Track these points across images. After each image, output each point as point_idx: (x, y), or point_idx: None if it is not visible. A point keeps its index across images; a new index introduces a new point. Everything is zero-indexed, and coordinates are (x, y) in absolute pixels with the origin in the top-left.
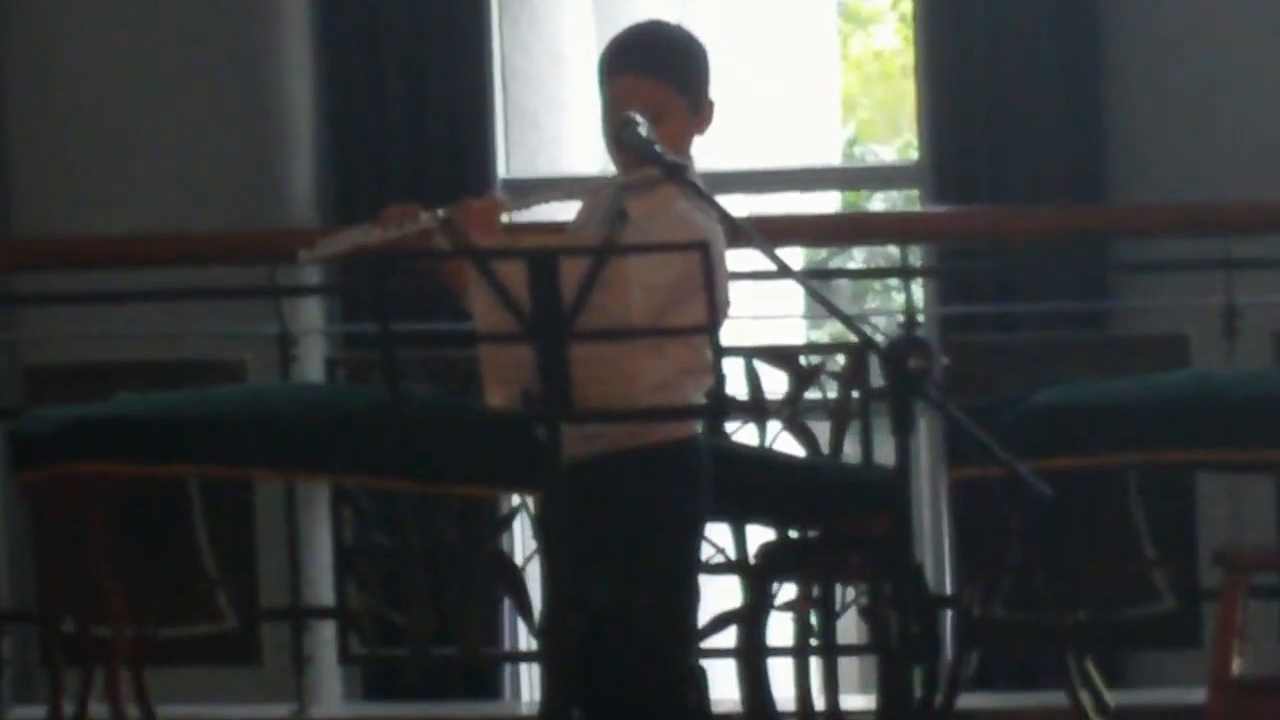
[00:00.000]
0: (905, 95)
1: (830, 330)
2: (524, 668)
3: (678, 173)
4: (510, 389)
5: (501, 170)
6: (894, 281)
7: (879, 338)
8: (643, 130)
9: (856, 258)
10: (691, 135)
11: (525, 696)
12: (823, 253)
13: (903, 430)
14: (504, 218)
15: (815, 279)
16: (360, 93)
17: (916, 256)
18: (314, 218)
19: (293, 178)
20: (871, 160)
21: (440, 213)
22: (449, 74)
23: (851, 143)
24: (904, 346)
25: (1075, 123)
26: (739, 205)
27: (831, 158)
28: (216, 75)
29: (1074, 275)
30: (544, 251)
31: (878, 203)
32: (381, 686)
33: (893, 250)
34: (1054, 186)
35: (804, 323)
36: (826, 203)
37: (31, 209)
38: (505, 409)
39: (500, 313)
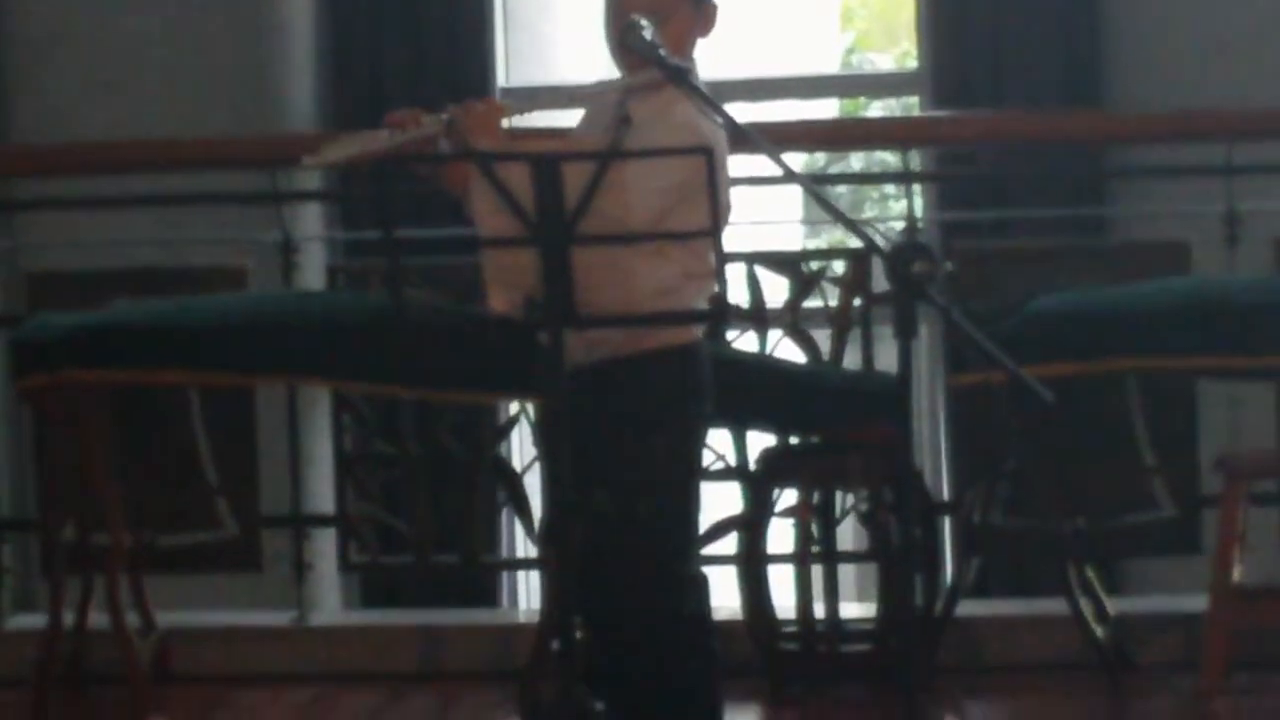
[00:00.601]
0: (902, 5)
1: (828, 238)
2: (520, 575)
3: (681, 76)
4: (513, 294)
5: (500, 78)
6: (891, 190)
7: (883, 243)
8: (647, 34)
9: (855, 166)
10: (694, 38)
11: (522, 604)
12: (820, 161)
13: (906, 335)
14: (505, 122)
15: (813, 185)
16: (359, 1)
17: (916, 163)
18: (313, 126)
19: (292, 86)
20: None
21: (444, 116)
22: None
23: (850, 51)
24: (908, 251)
25: (1074, 28)
26: (738, 113)
27: (830, 66)
28: None
29: (1073, 181)
30: (548, 156)
31: (875, 111)
32: (378, 594)
33: (890, 159)
34: (1053, 93)
35: (801, 229)
36: (825, 110)
37: (32, 115)
38: (508, 314)
39: (504, 217)
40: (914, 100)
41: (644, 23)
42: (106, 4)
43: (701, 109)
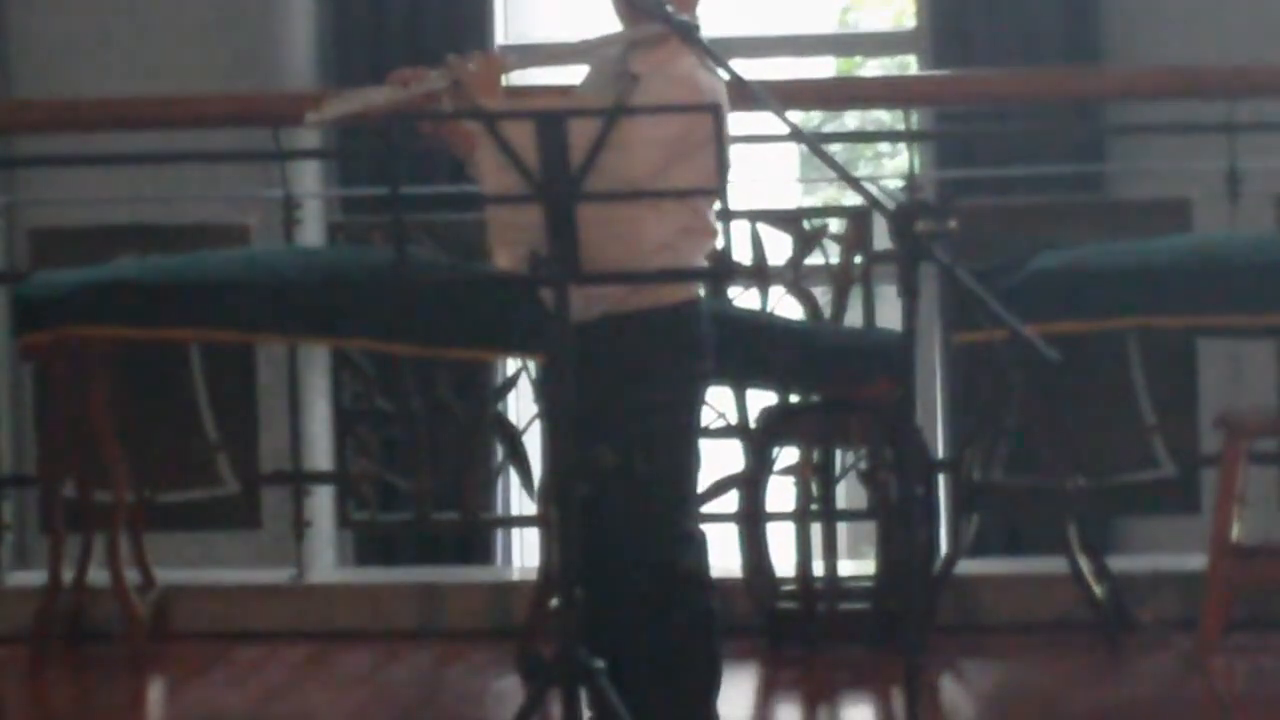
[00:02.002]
0: None
1: (824, 195)
2: (515, 533)
3: (690, 32)
4: (517, 251)
5: (499, 36)
6: (885, 148)
7: (887, 201)
8: None
9: (849, 125)
10: None
11: (517, 561)
12: (816, 119)
13: (910, 294)
14: (504, 79)
15: (817, 143)
16: None
17: (914, 122)
18: (311, 82)
19: (291, 43)
20: (865, 28)
21: (445, 73)
22: None
23: (845, 10)
24: (913, 209)
25: None
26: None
27: (827, 25)
28: None
29: (1073, 139)
30: (553, 113)
31: (870, 70)
32: (374, 552)
33: (883, 117)
34: (1052, 51)
35: (799, 187)
36: (821, 69)
37: (33, 71)
38: (512, 271)
39: (509, 175)
40: (910, 59)
41: None
42: None
43: (706, 65)
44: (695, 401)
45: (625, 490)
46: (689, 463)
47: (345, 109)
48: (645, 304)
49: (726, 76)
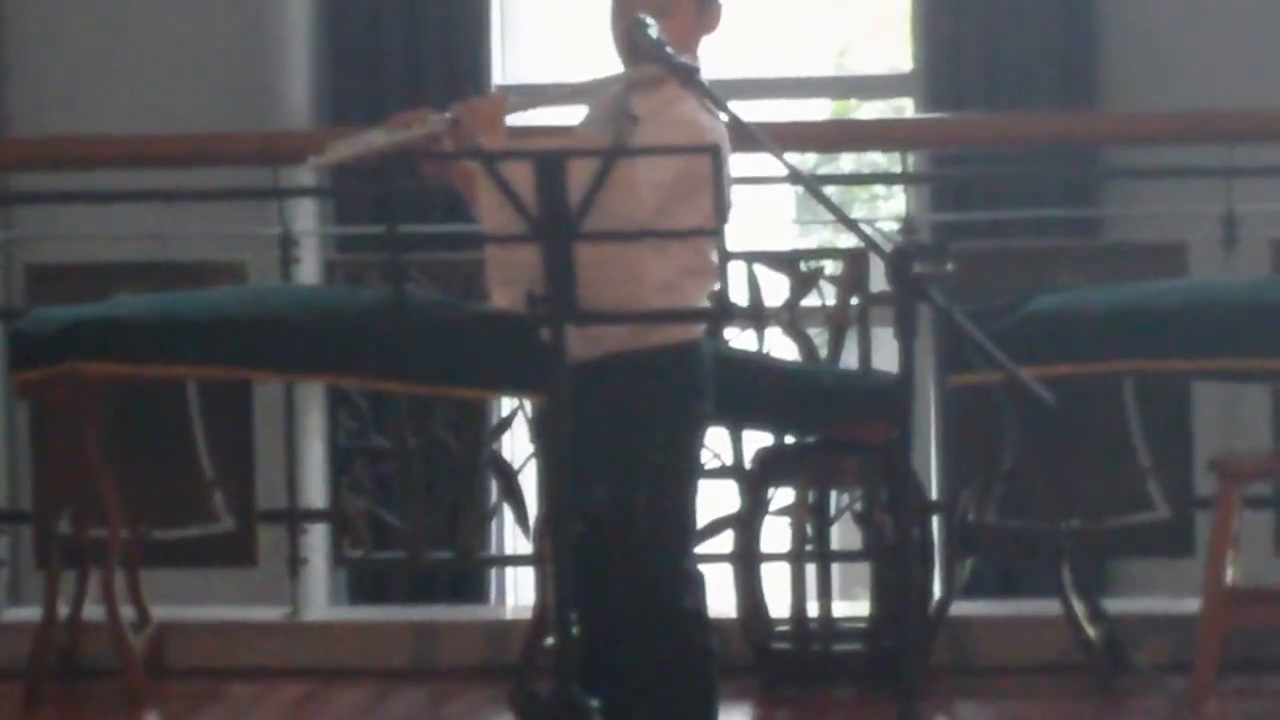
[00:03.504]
0: (896, 5)
1: (820, 237)
2: (510, 572)
3: (690, 74)
4: (515, 291)
5: (497, 76)
6: (880, 190)
7: (884, 243)
8: (652, 32)
9: (845, 168)
10: (699, 35)
11: (511, 600)
12: (813, 161)
13: (907, 336)
14: (508, 119)
15: (817, 185)
16: None
17: (911, 164)
18: (310, 121)
19: (289, 82)
20: (861, 71)
21: (448, 114)
22: None
23: (842, 53)
24: (909, 251)
25: (1070, 30)
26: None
27: (824, 67)
28: None
29: (1069, 183)
30: (552, 153)
31: (866, 113)
32: (368, 590)
33: (880, 160)
34: (1046, 94)
35: (796, 229)
36: (818, 111)
37: (32, 109)
38: (510, 310)
39: (507, 214)
40: (907, 102)
41: (649, 21)
42: None
43: (707, 106)
44: (695, 442)
45: (624, 529)
46: (689, 503)
47: (348, 153)
48: (648, 344)
49: (725, 118)
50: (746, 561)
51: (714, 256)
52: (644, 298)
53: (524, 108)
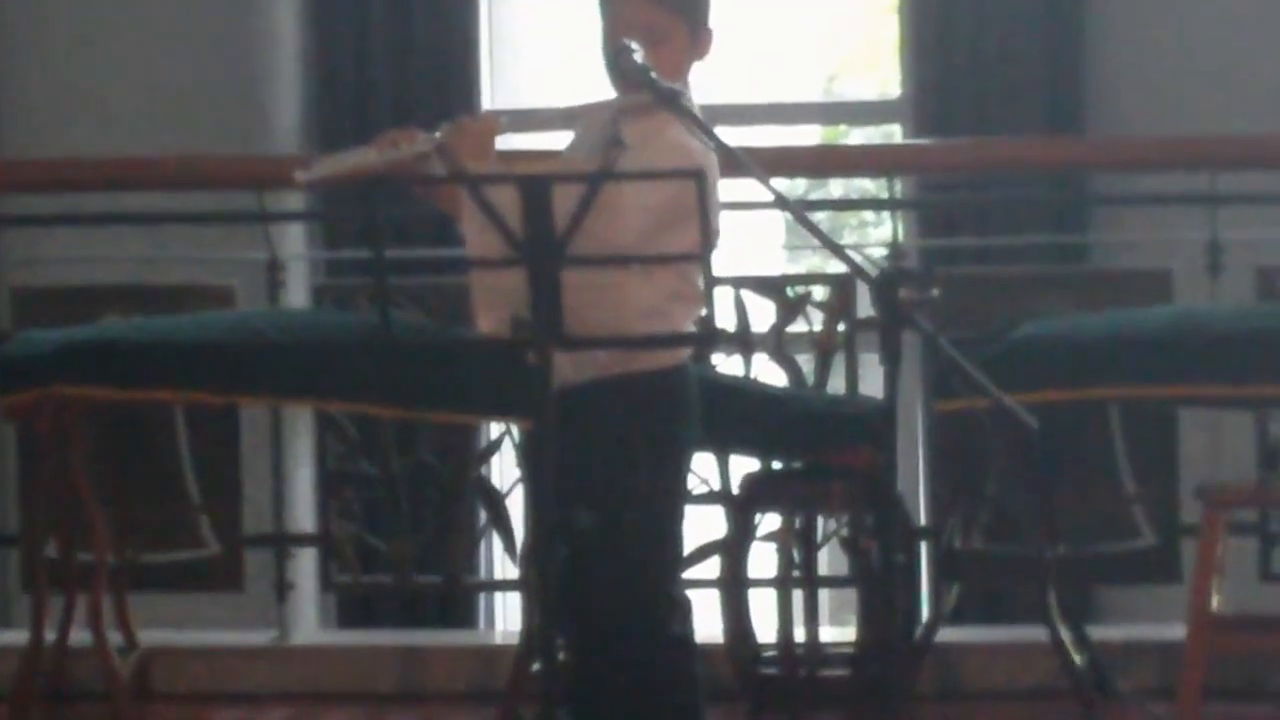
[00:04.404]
0: (885, 31)
1: (809, 263)
2: (498, 596)
3: (673, 100)
4: (501, 315)
5: (486, 100)
6: (870, 216)
7: (870, 269)
8: (638, 57)
9: (833, 193)
10: (690, 62)
11: (499, 625)
12: (801, 187)
13: (892, 361)
14: (498, 140)
15: (803, 210)
16: (346, 20)
17: (898, 190)
18: (298, 143)
19: (277, 105)
20: (850, 96)
21: (437, 135)
22: (435, 2)
23: (831, 79)
24: (896, 277)
25: (1057, 57)
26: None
27: (812, 93)
28: (203, 1)
29: (1055, 209)
30: (537, 177)
31: (855, 139)
32: (356, 614)
33: (868, 186)
34: (1035, 121)
35: (783, 254)
36: (806, 138)
37: (19, 132)
38: (495, 336)
39: (492, 238)
40: (895, 128)
41: (635, 47)
42: (91, 20)
43: (693, 132)
44: (682, 467)
45: (610, 554)
46: (675, 528)
47: (335, 169)
48: (634, 369)
49: (710, 141)
50: (733, 587)
51: (701, 282)
52: (628, 322)
53: (515, 129)
